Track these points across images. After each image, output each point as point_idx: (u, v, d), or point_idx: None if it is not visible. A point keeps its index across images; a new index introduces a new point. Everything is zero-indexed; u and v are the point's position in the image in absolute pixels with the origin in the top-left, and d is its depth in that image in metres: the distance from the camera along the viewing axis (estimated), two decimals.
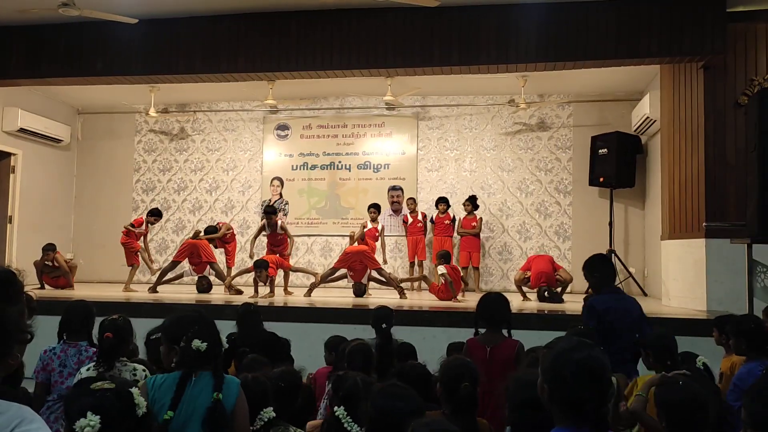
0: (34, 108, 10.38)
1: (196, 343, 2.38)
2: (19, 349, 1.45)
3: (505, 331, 3.64)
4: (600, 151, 9.66)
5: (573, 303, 7.53)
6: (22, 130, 10.08)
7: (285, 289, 8.83)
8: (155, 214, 9.61)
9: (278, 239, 8.72)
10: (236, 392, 2.40)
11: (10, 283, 1.46)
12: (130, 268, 9.22)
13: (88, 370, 3.07)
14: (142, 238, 9.51)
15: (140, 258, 9.36)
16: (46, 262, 9.25)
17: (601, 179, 9.62)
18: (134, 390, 1.83)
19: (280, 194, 11.17)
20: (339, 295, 8.67)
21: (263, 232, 8.86)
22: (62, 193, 11.41)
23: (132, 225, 9.36)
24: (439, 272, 8.27)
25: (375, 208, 9.56)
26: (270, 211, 8.73)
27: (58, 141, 11.02)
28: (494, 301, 3.71)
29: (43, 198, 10.85)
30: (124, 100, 10.79)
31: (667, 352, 3.35)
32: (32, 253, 9.48)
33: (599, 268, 4.06)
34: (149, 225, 9.62)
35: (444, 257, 8.45)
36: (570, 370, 1.63)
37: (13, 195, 10.28)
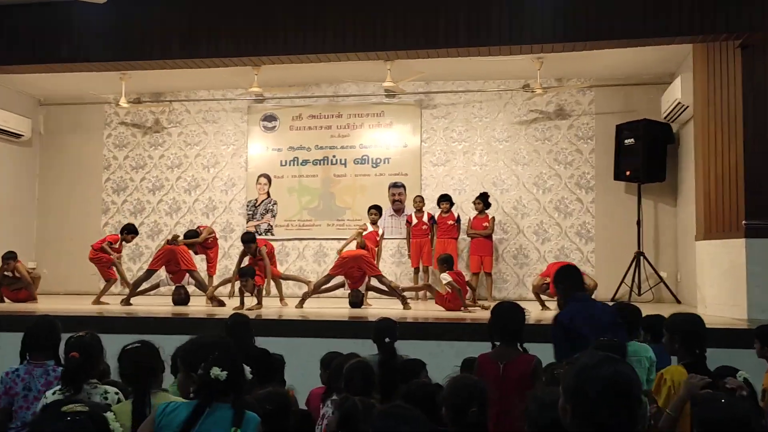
0: None
1: (215, 371, 2.37)
2: None
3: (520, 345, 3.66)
4: (626, 141, 9.65)
5: None
6: None
7: (281, 300, 8.84)
8: (132, 231, 9.44)
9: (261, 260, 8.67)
10: (255, 430, 2.41)
11: None
12: (106, 282, 9.17)
13: (54, 393, 3.07)
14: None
15: (115, 270, 9.26)
16: (6, 273, 9.25)
17: (628, 173, 9.62)
18: (109, 414, 1.83)
19: (268, 193, 11.18)
20: (334, 305, 8.67)
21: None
22: (23, 195, 11.42)
23: (109, 243, 9.20)
24: (444, 281, 8.27)
25: (376, 210, 9.55)
26: (247, 240, 8.65)
27: (18, 136, 11.03)
28: (507, 311, 3.73)
29: (1, 201, 10.85)
30: (92, 90, 10.80)
31: (697, 339, 3.36)
32: None
33: (564, 278, 4.19)
34: (123, 243, 9.47)
35: (446, 262, 8.45)
36: (595, 389, 1.62)
37: None
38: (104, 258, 9.14)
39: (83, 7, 7.35)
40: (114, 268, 9.23)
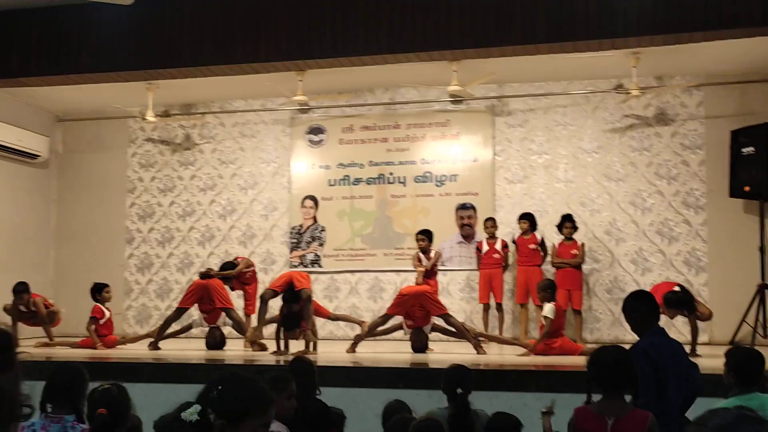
0: (3, 116, 10.81)
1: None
2: (14, 426, 1.52)
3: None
4: (744, 150, 9.46)
5: (710, 359, 7.30)
6: None
7: (307, 345, 8.41)
8: (98, 290, 9.42)
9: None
10: None
11: (4, 347, 1.53)
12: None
13: None
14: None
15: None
16: (20, 308, 9.52)
17: (746, 188, 9.41)
18: None
19: (314, 218, 11.29)
20: (393, 349, 8.65)
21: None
22: (38, 223, 11.83)
23: (94, 319, 9.26)
24: (545, 314, 8.14)
25: (424, 235, 9.48)
26: (290, 299, 8.43)
27: (34, 156, 11.46)
28: (617, 358, 3.65)
29: (14, 229, 11.26)
30: (115, 103, 11.16)
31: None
32: (1, 297, 9.78)
33: (637, 306, 4.39)
34: (105, 303, 9.45)
35: (549, 289, 8.37)
36: None
37: None
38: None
39: (106, 9, 7.61)
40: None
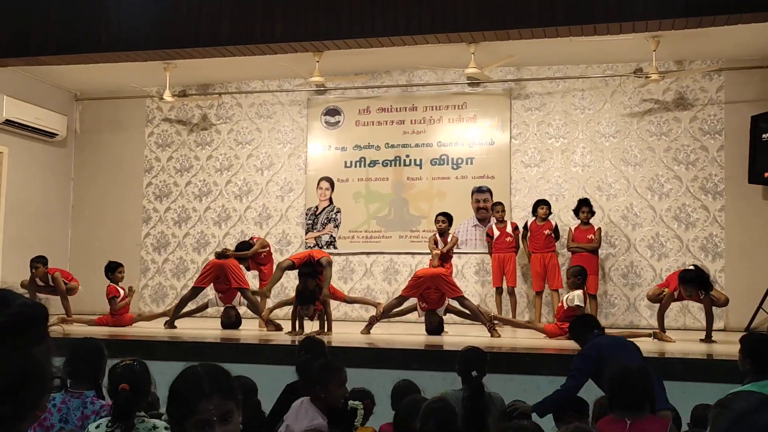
0: (21, 94, 10.92)
1: None
2: (46, 398, 1.58)
3: None
4: (764, 135, 9.42)
5: (726, 346, 7.30)
6: (7, 122, 10.63)
7: (322, 326, 8.52)
8: (111, 269, 9.51)
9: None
10: None
11: (40, 321, 1.56)
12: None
13: (98, 428, 3.20)
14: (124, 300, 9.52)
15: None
16: (37, 281, 9.61)
17: (766, 174, 9.38)
18: None
19: (330, 200, 11.32)
20: (407, 331, 8.69)
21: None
22: (56, 201, 11.95)
23: (113, 299, 9.34)
24: (573, 302, 8.04)
25: (444, 217, 9.48)
26: (306, 273, 8.49)
27: (52, 135, 11.55)
28: (633, 377, 3.63)
29: (32, 207, 11.38)
30: (133, 82, 11.21)
31: None
32: (20, 275, 9.89)
33: (581, 332, 5.22)
34: (119, 283, 9.54)
35: (580, 275, 8.23)
36: None
37: None
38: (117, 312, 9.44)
39: None
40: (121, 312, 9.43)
